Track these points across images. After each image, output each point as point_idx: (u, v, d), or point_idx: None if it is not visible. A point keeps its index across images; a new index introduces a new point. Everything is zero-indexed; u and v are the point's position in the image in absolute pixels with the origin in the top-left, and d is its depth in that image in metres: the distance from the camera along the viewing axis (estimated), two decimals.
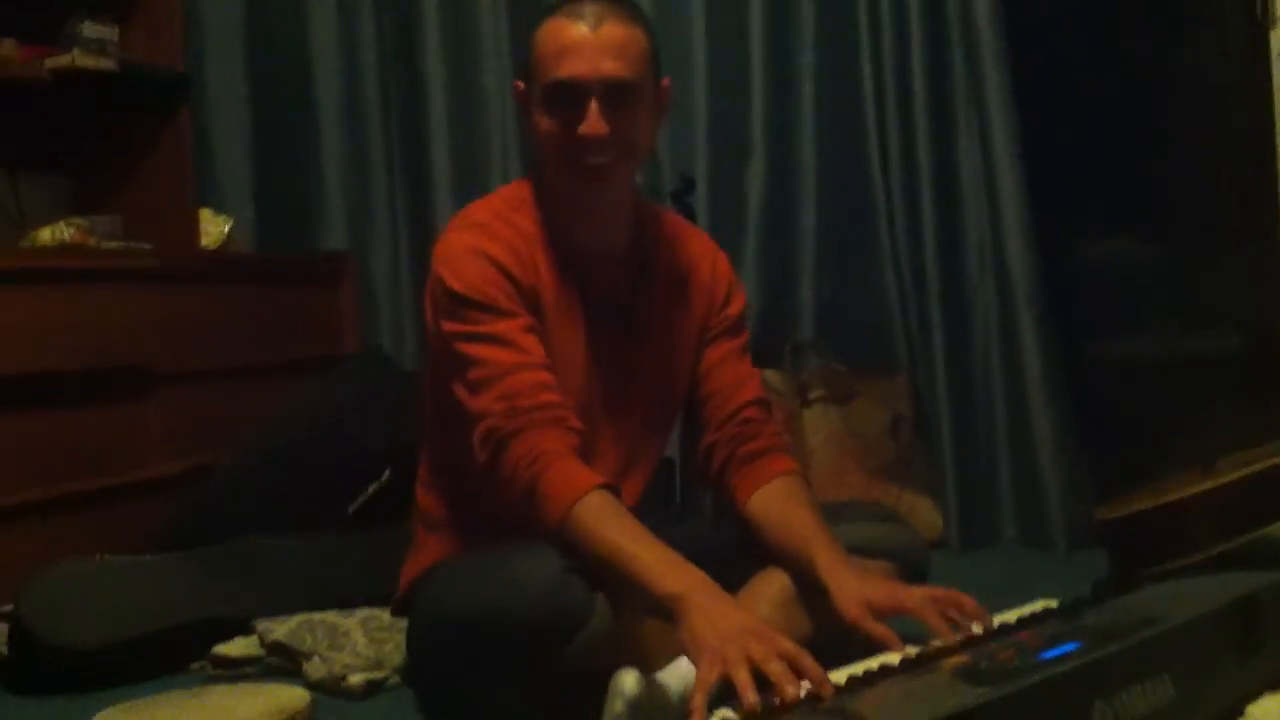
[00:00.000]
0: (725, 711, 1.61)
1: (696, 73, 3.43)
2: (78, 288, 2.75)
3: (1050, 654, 1.64)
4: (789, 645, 1.66)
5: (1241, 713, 1.71)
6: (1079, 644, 1.68)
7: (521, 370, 1.93)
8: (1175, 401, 3.29)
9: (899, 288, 3.37)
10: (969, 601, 1.91)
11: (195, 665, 2.43)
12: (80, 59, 2.95)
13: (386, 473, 2.58)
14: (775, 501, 2.12)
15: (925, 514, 3.22)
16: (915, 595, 1.92)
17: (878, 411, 3.28)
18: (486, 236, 2.00)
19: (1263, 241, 3.10)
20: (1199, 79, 3.50)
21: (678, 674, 1.89)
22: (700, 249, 2.25)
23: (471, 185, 3.49)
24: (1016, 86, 3.28)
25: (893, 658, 1.72)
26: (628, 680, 1.77)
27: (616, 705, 1.76)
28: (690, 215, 2.98)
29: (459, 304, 1.97)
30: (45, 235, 2.94)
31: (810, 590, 2.02)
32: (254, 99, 3.57)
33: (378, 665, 2.27)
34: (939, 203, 3.35)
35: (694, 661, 1.71)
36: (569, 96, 1.97)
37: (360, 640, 2.32)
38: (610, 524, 1.84)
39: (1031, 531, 3.24)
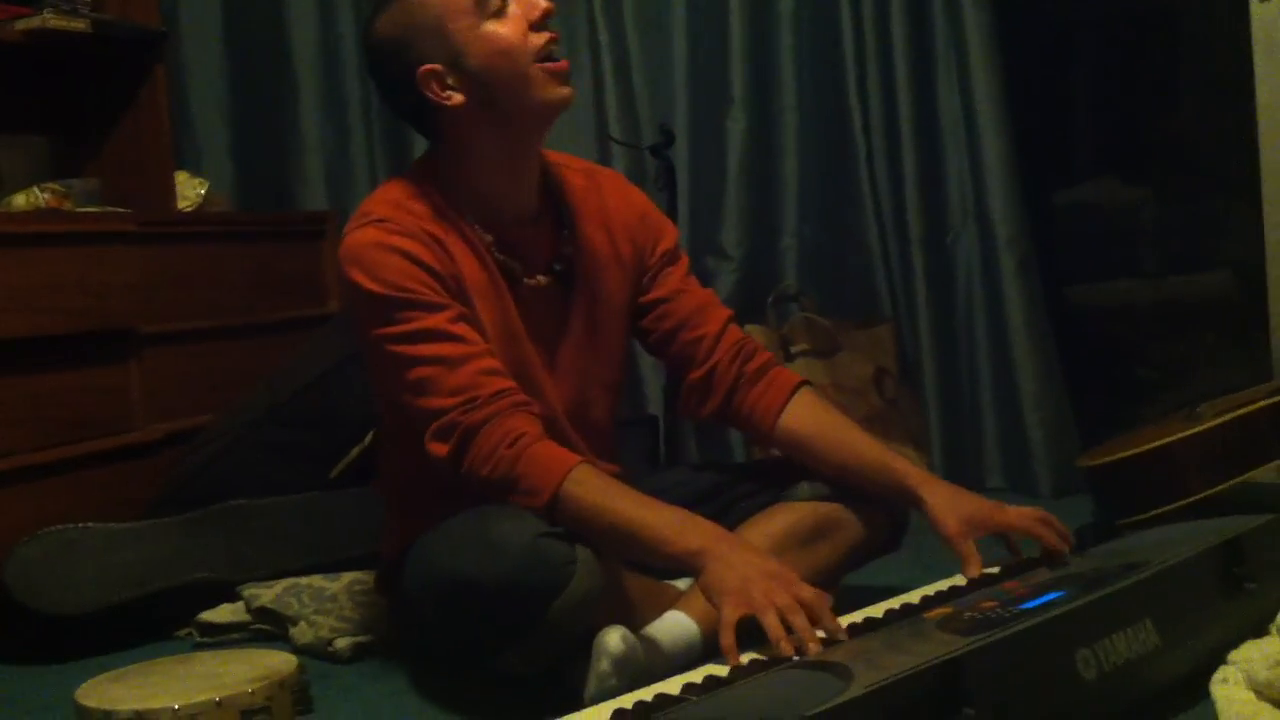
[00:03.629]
0: (752, 653, 1.65)
1: (675, 23, 3.41)
2: (56, 251, 2.72)
3: (1033, 603, 1.65)
4: (809, 592, 1.70)
5: (1223, 658, 1.71)
6: (1062, 592, 1.69)
7: (468, 361, 1.88)
8: (1158, 347, 3.30)
9: (880, 236, 3.37)
10: (1061, 526, 1.98)
11: (182, 632, 2.44)
12: (51, 20, 2.91)
13: (370, 435, 2.57)
14: (814, 415, 2.11)
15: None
16: (1014, 514, 1.99)
17: (862, 363, 3.28)
18: (391, 230, 1.92)
19: (1243, 186, 3.10)
20: (1180, 24, 3.49)
21: (667, 627, 1.90)
22: (614, 191, 2.19)
23: None
24: (998, 31, 3.26)
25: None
26: (612, 638, 1.79)
27: (602, 664, 1.78)
28: (670, 168, 2.96)
29: (382, 305, 1.90)
30: (20, 200, 2.91)
31: (818, 528, 2.05)
32: (230, 57, 3.56)
33: (364, 629, 2.27)
34: (920, 150, 3.34)
35: (717, 606, 1.73)
36: (503, 4, 1.95)
37: (347, 604, 2.32)
38: (607, 494, 1.84)
39: (1016, 479, 3.25)
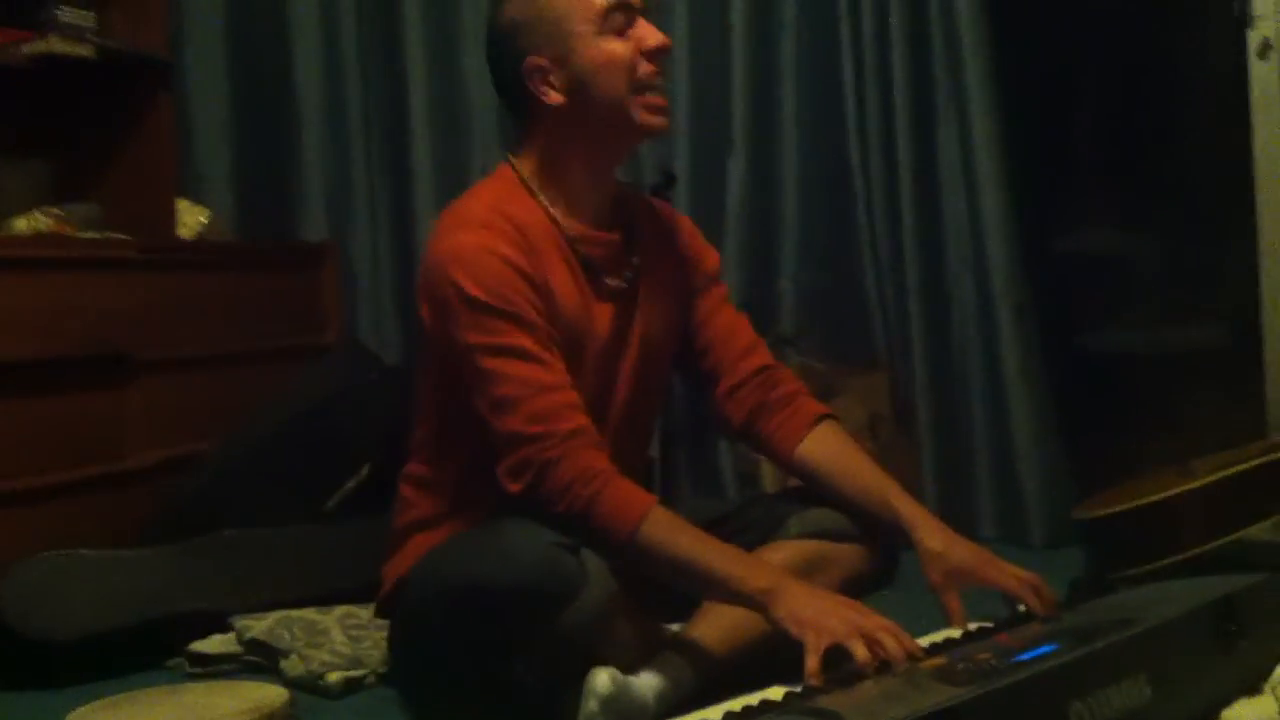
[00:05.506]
0: (744, 698, 1.67)
1: (678, 66, 3.42)
2: (55, 275, 2.73)
3: (1027, 655, 1.65)
4: (884, 619, 1.77)
5: (1216, 717, 1.71)
6: (1056, 645, 1.69)
7: (551, 391, 1.91)
8: (1154, 399, 3.31)
9: (878, 281, 3.38)
10: (1048, 590, 1.98)
11: (172, 662, 2.43)
12: (57, 45, 2.92)
13: (365, 468, 2.58)
14: (830, 447, 2.16)
15: None
16: (1004, 573, 2.00)
17: (857, 408, 3.28)
18: (497, 235, 1.95)
19: (1239, 236, 3.12)
20: (1178, 73, 3.51)
21: (649, 683, 1.90)
22: (666, 213, 2.26)
23: (453, 173, 3.49)
24: (997, 79, 3.28)
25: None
26: (600, 679, 1.80)
27: (590, 704, 1.78)
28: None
29: (479, 310, 1.92)
30: (21, 224, 2.92)
31: (810, 564, 2.06)
32: (234, 85, 3.56)
33: (356, 663, 2.27)
34: (919, 196, 3.35)
35: (799, 637, 1.76)
36: (626, 17, 2.00)
37: (338, 638, 2.32)
38: (680, 534, 1.89)
39: (1009, 528, 3.25)
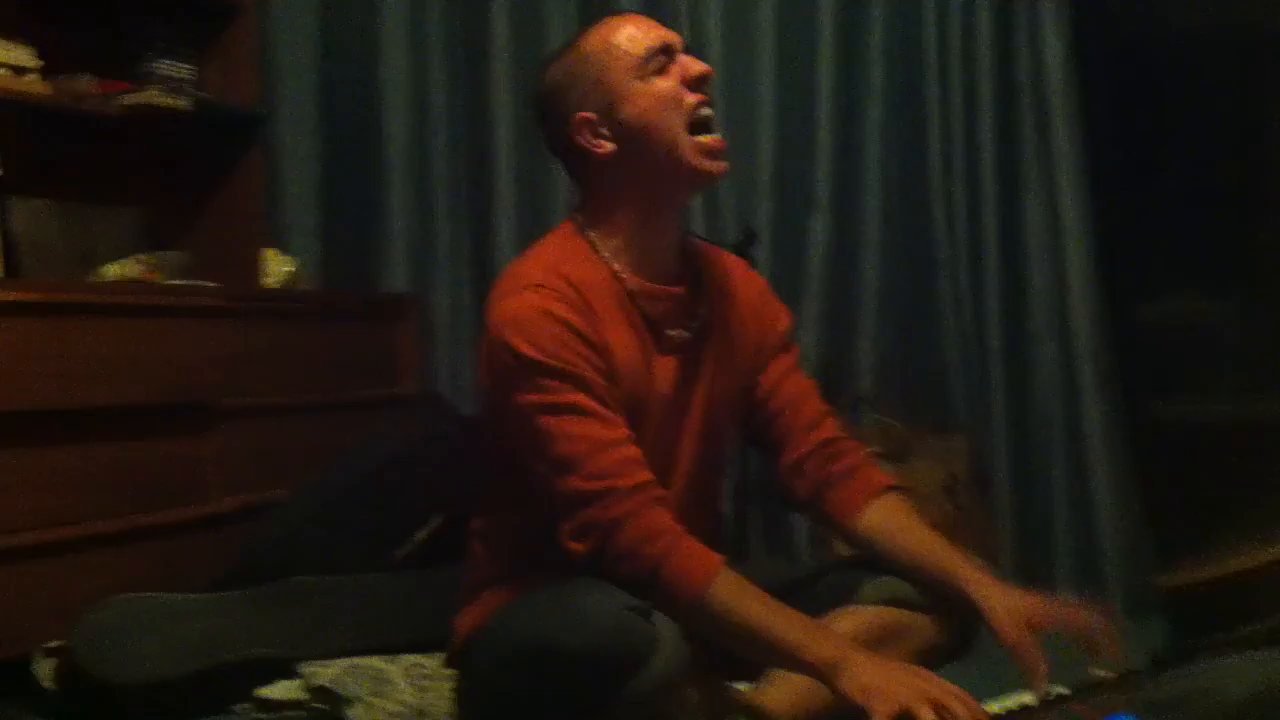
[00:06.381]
0: None
1: (763, 125, 3.44)
2: (142, 322, 2.77)
3: None
4: (952, 685, 1.73)
5: None
6: (1135, 717, 1.65)
7: (612, 447, 1.89)
8: (1240, 468, 3.24)
9: (961, 344, 3.35)
10: (1118, 625, 1.94)
11: (239, 707, 2.44)
12: (156, 97, 2.99)
13: (437, 519, 2.58)
14: (893, 517, 2.10)
15: None
16: (1078, 611, 1.95)
17: (934, 470, 3.25)
18: (552, 297, 1.92)
19: None
20: (1266, 140, 3.47)
21: None
22: (738, 269, 2.22)
23: (535, 229, 3.50)
24: (1086, 142, 3.26)
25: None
26: None
27: None
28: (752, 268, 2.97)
29: (535, 373, 1.90)
30: (113, 271, 2.98)
31: (885, 632, 2.02)
32: (324, 140, 3.62)
33: (421, 714, 2.27)
34: (1003, 259, 3.34)
35: (866, 706, 1.73)
36: (666, 59, 2.00)
37: (405, 688, 2.32)
38: (749, 599, 1.86)
39: (1089, 596, 3.19)
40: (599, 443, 1.88)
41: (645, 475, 1.89)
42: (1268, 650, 2.08)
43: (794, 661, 1.83)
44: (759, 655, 1.90)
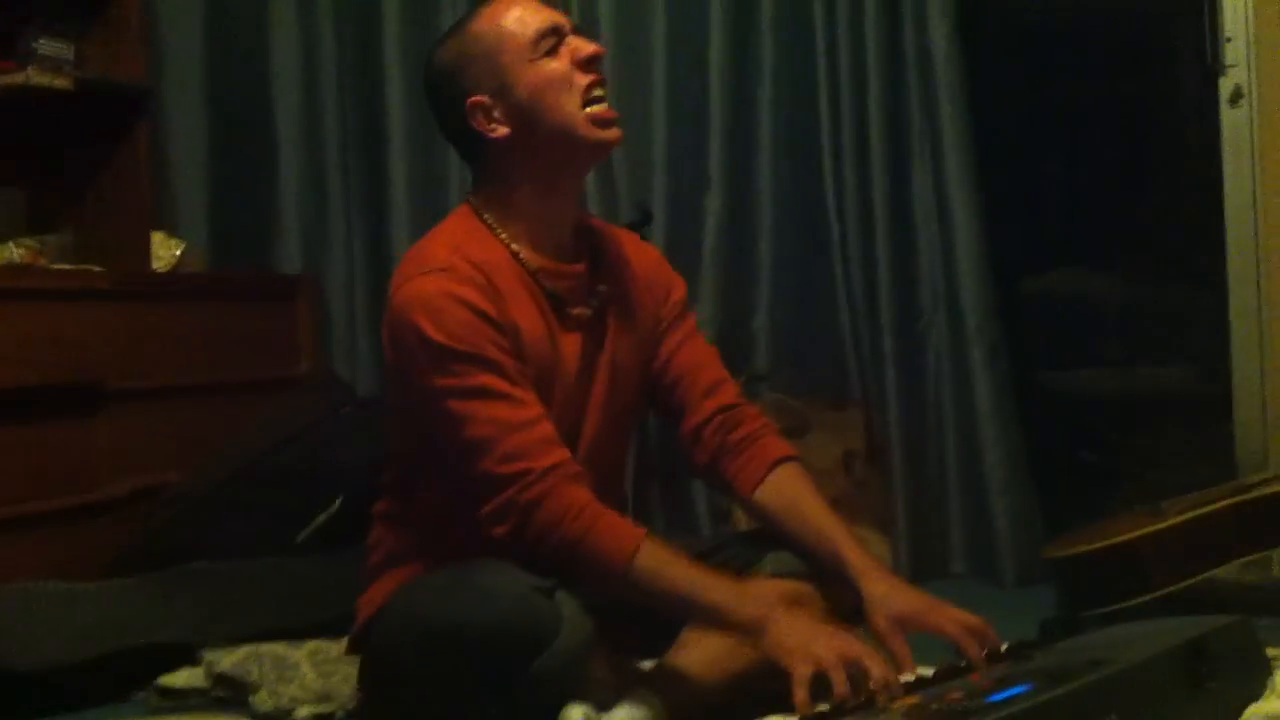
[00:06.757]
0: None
1: (656, 105, 3.44)
2: (27, 306, 2.72)
3: (999, 696, 1.65)
4: (870, 648, 1.81)
5: None
6: (1028, 686, 1.69)
7: (524, 428, 1.90)
8: (1124, 437, 3.33)
9: (852, 320, 3.38)
10: (993, 634, 1.96)
11: (140, 695, 2.41)
12: (35, 77, 2.92)
13: (337, 501, 2.57)
14: (785, 492, 2.14)
15: (873, 547, 3.21)
16: (946, 617, 1.97)
17: (831, 445, 3.29)
18: (457, 280, 1.93)
19: (1209, 278, 3.15)
20: (1150, 118, 3.55)
21: (624, 717, 1.90)
22: (631, 243, 2.24)
23: (430, 208, 3.49)
24: (971, 120, 3.30)
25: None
26: (574, 716, 1.79)
27: None
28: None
29: (443, 357, 1.90)
30: None
31: (785, 602, 2.04)
32: (211, 118, 3.56)
33: (325, 698, 2.26)
34: (893, 236, 3.36)
35: (786, 666, 1.78)
36: (556, 39, 2.00)
37: (308, 673, 2.30)
38: (674, 566, 1.90)
39: (980, 565, 3.26)
40: (509, 425, 1.89)
41: (560, 454, 1.91)
42: (1156, 620, 2.14)
43: (722, 621, 1.89)
44: (687, 618, 1.96)
